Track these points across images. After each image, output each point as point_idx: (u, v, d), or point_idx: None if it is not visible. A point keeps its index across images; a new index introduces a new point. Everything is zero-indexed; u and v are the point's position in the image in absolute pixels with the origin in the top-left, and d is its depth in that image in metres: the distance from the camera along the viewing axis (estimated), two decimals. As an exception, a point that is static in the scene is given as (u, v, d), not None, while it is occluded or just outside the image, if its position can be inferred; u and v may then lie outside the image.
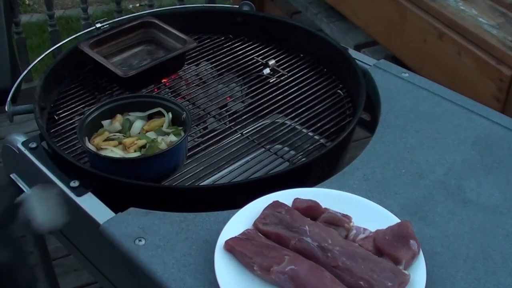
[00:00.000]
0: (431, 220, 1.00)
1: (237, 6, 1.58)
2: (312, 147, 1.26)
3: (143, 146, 1.16)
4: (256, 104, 1.35)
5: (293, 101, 1.35)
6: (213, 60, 1.48)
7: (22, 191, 1.07)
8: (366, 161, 1.11)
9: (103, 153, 1.15)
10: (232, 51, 1.50)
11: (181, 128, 1.19)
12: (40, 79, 1.30)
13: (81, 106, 1.33)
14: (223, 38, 1.55)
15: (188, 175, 1.16)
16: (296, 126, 1.31)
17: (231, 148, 1.22)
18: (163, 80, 1.42)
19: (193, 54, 1.47)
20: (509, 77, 1.59)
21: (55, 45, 1.52)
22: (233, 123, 1.31)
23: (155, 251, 0.93)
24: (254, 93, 1.38)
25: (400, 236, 0.90)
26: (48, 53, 1.50)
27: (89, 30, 1.48)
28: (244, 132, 1.28)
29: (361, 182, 1.06)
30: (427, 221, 0.99)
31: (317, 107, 1.33)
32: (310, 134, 1.30)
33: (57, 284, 1.59)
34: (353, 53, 1.41)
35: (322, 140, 1.28)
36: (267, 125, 1.30)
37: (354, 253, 0.87)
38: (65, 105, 1.33)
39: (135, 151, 1.15)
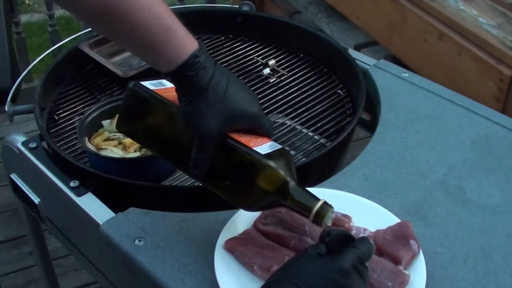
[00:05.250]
0: (431, 220, 1.00)
1: (237, 6, 1.58)
2: (312, 147, 1.26)
3: (143, 146, 1.16)
4: (256, 104, 1.35)
5: (293, 101, 1.35)
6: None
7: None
8: (366, 161, 1.11)
9: (103, 153, 1.15)
10: (232, 51, 1.50)
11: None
12: (40, 79, 1.30)
13: (81, 106, 1.33)
14: (223, 38, 1.55)
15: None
16: (296, 126, 1.31)
17: (231, 148, 1.22)
18: (163, 80, 1.42)
19: (193, 54, 1.47)
20: (509, 77, 1.59)
21: (55, 45, 1.52)
22: (233, 123, 1.31)
23: (155, 251, 0.93)
24: (254, 93, 1.38)
25: (400, 236, 0.90)
26: (48, 53, 1.50)
27: (89, 30, 1.48)
28: (244, 132, 1.28)
29: (361, 182, 1.06)
30: (427, 221, 0.99)
31: (317, 107, 1.32)
32: (310, 134, 1.29)
33: (57, 284, 1.60)
34: (353, 53, 1.41)
35: (322, 140, 1.28)
36: (267, 125, 1.30)
37: (354, 253, 0.87)
38: (65, 105, 1.33)
39: (135, 151, 1.15)
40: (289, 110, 1.33)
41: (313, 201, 0.81)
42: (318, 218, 0.81)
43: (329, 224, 0.82)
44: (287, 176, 0.82)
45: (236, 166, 0.85)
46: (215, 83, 0.82)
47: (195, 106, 0.82)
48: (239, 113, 0.84)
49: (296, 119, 1.32)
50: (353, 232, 0.93)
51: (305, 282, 0.70)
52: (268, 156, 0.83)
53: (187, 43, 0.82)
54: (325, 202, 0.81)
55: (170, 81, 0.86)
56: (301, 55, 1.49)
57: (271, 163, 0.82)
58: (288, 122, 1.31)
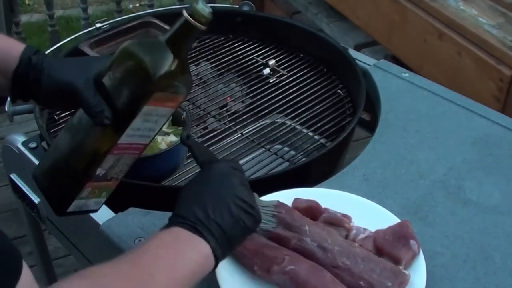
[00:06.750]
0: (431, 220, 1.00)
1: (237, 6, 1.58)
2: (312, 147, 1.26)
3: (143, 146, 1.16)
4: (256, 104, 1.35)
5: (293, 101, 1.35)
6: (213, 60, 1.48)
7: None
8: (366, 161, 1.11)
9: (103, 153, 1.14)
10: (232, 51, 1.50)
11: (181, 128, 1.19)
12: (40, 79, 1.29)
13: (81, 106, 1.33)
14: (223, 38, 1.55)
15: (188, 175, 1.16)
16: (296, 126, 1.31)
17: (231, 148, 1.22)
18: (163, 80, 1.42)
19: (193, 54, 1.47)
20: (509, 77, 1.59)
21: (55, 45, 1.52)
22: (233, 123, 1.31)
23: (155, 251, 0.93)
24: (254, 93, 1.38)
25: (400, 236, 0.90)
26: (48, 53, 1.49)
27: (89, 30, 1.48)
28: (244, 132, 1.28)
29: (361, 182, 1.06)
30: (427, 221, 0.99)
31: (317, 107, 1.33)
32: (310, 134, 1.30)
33: (57, 284, 1.59)
34: (353, 53, 1.41)
35: (322, 140, 1.28)
36: (267, 125, 1.30)
37: (354, 253, 0.87)
38: (65, 105, 1.33)
39: (135, 151, 1.15)
40: (289, 110, 1.33)
41: (179, 18, 0.80)
42: (195, 15, 0.80)
43: (210, 14, 0.82)
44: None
45: (119, 79, 0.79)
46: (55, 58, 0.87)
47: (51, 79, 0.85)
48: (92, 58, 0.86)
49: (296, 119, 1.32)
50: (353, 232, 0.93)
51: (198, 192, 0.80)
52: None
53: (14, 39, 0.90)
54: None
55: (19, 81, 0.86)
56: (301, 55, 1.49)
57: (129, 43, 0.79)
58: (288, 122, 1.31)
